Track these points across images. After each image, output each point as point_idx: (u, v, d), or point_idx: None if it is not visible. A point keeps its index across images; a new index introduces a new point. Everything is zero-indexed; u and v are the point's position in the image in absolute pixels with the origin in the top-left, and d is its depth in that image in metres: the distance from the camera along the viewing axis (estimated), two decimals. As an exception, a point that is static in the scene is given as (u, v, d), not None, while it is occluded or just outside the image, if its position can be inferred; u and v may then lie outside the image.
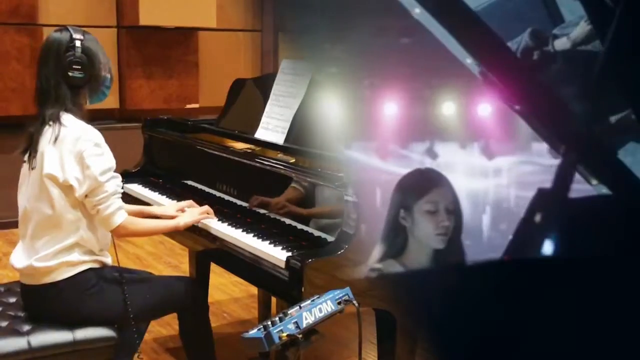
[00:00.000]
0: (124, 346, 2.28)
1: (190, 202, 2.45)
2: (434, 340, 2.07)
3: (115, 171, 2.12)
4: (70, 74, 2.10)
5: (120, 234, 2.13)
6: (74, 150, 2.04)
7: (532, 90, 1.91)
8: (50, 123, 2.07)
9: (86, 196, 2.06)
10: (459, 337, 1.91)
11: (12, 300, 2.29)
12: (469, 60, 1.83)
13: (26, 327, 2.10)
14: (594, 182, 1.79)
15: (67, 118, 2.09)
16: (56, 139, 2.05)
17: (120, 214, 2.10)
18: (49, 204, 2.07)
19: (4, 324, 2.13)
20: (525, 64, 1.93)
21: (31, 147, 2.11)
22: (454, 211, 2.07)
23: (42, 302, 2.13)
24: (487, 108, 2.34)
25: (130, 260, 4.20)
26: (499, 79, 1.87)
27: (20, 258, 2.13)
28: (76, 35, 2.13)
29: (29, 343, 2.04)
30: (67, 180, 2.04)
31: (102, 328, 2.13)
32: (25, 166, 2.15)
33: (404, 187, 2.07)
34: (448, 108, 2.23)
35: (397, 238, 2.05)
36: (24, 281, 2.16)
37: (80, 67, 2.11)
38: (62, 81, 2.10)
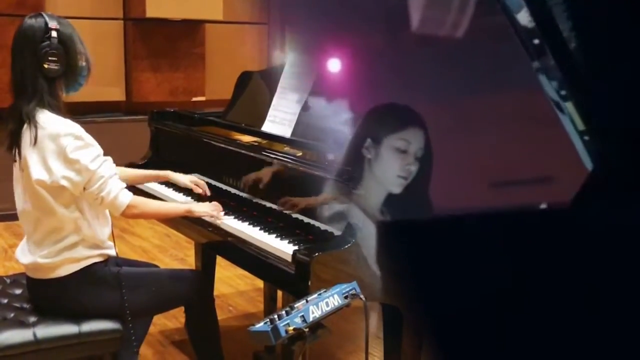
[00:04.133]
0: (130, 339, 2.28)
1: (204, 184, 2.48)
2: (440, 335, 2.05)
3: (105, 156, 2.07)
4: (46, 65, 2.02)
5: (131, 214, 2.09)
6: (56, 150, 1.99)
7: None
8: (27, 122, 2.02)
9: (84, 189, 2.02)
10: (464, 332, 1.90)
11: (18, 292, 2.29)
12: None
13: (32, 319, 2.10)
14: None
15: (42, 116, 2.02)
16: (35, 141, 2.00)
17: (124, 194, 2.06)
18: (45, 207, 2.04)
19: (10, 315, 2.13)
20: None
21: (14, 146, 2.07)
22: (422, 159, 1.91)
23: (47, 296, 2.14)
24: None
25: (135, 253, 4.21)
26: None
27: (25, 253, 2.13)
28: (51, 24, 2.04)
29: (34, 335, 2.04)
30: (55, 182, 2.00)
31: (108, 321, 2.13)
32: (16, 166, 2.12)
33: (379, 116, 1.91)
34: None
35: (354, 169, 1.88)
36: (30, 275, 2.17)
37: (56, 58, 2.02)
38: (38, 73, 2.02)
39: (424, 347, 2.10)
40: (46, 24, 2.04)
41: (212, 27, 5.61)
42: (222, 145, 2.57)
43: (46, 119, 2.03)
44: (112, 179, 2.04)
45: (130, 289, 2.15)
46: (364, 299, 1.55)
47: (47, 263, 2.08)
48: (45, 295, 2.14)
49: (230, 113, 2.88)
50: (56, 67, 2.04)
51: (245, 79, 2.91)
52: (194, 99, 5.53)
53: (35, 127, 2.00)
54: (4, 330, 2.03)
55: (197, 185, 2.47)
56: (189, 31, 5.46)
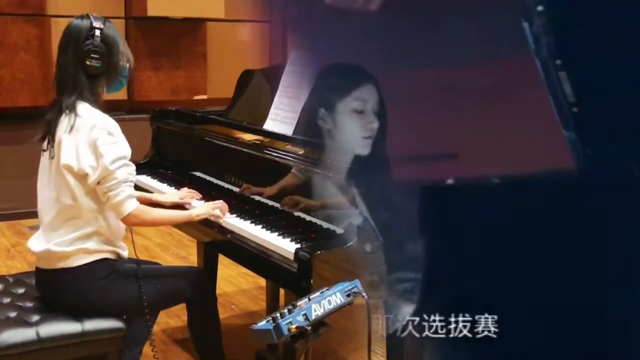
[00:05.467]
0: (133, 337, 2.29)
1: (193, 192, 2.48)
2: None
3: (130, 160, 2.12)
4: (88, 62, 2.10)
5: (131, 222, 2.14)
6: (89, 139, 2.05)
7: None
8: (67, 112, 2.08)
9: (98, 183, 2.07)
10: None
11: (21, 291, 2.29)
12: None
13: (35, 318, 2.10)
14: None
15: (82, 107, 2.10)
16: (72, 128, 2.06)
17: (131, 202, 2.10)
18: (68, 193, 2.08)
19: (13, 314, 2.13)
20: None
21: (49, 135, 2.12)
22: (380, 112, 1.81)
23: (54, 287, 2.15)
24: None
25: (138, 252, 4.16)
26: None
27: (39, 241, 2.15)
28: (96, 24, 2.13)
29: (37, 333, 2.04)
30: (82, 169, 2.05)
31: (111, 319, 2.13)
32: (44, 155, 2.16)
33: (327, 82, 1.84)
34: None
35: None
36: (40, 265, 2.18)
37: (98, 56, 2.11)
38: (80, 70, 2.10)
39: (426, 346, 2.09)
40: (91, 23, 2.13)
41: (213, 26, 5.61)
42: (224, 144, 2.57)
43: (86, 109, 2.09)
44: (125, 183, 2.08)
45: (135, 287, 2.17)
46: (366, 297, 1.55)
47: (60, 251, 2.10)
48: (53, 286, 2.15)
49: (232, 111, 2.88)
50: (98, 65, 2.11)
51: (247, 77, 2.91)
52: (196, 97, 5.53)
53: (75, 115, 2.07)
54: (7, 329, 2.03)
55: (185, 197, 2.47)
56: (191, 29, 5.46)
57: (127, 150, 2.11)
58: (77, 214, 2.11)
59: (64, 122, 2.08)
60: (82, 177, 2.07)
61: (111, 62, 2.14)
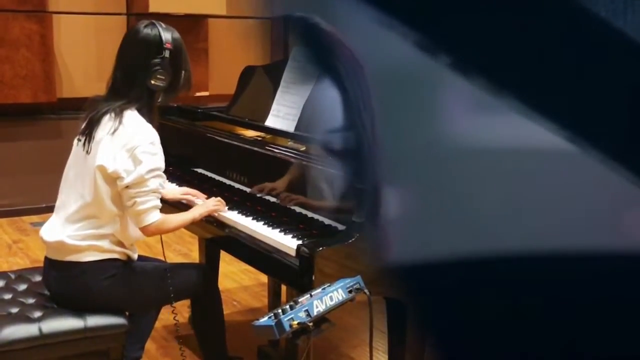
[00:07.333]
0: (135, 333, 2.29)
1: (197, 192, 2.47)
2: (444, 332, 2.03)
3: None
4: (153, 82, 2.09)
5: (149, 232, 2.13)
6: (128, 146, 2.05)
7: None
8: (112, 115, 2.07)
9: (127, 187, 2.06)
10: (469, 327, 1.88)
11: (23, 287, 2.30)
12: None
13: (37, 314, 2.11)
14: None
15: (129, 114, 2.09)
16: (115, 131, 2.05)
17: (154, 214, 2.10)
18: (95, 193, 2.08)
19: (15, 310, 2.14)
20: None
21: (88, 130, 2.11)
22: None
23: (61, 278, 2.16)
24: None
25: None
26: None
27: (52, 231, 2.16)
28: (165, 38, 2.11)
29: (39, 329, 2.04)
30: (116, 172, 2.04)
31: (114, 315, 2.13)
32: (79, 145, 2.15)
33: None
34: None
35: None
36: (49, 255, 2.19)
37: (164, 77, 2.10)
38: (144, 87, 2.10)
39: (428, 342, 2.09)
40: (160, 38, 2.10)
41: (215, 22, 5.60)
42: (226, 140, 2.57)
43: (132, 117, 2.09)
44: (154, 194, 2.09)
45: (138, 281, 2.18)
46: (368, 293, 1.55)
47: (73, 244, 2.10)
48: (59, 277, 2.16)
49: (234, 108, 2.88)
50: (161, 84, 2.11)
51: (248, 73, 2.90)
52: (197, 94, 5.52)
53: (119, 122, 2.06)
54: (9, 325, 2.03)
55: (189, 194, 2.47)
56: (192, 26, 5.45)
57: (163, 163, 2.11)
58: (98, 214, 2.11)
59: (108, 124, 2.07)
60: (113, 179, 2.07)
61: (174, 81, 2.14)
